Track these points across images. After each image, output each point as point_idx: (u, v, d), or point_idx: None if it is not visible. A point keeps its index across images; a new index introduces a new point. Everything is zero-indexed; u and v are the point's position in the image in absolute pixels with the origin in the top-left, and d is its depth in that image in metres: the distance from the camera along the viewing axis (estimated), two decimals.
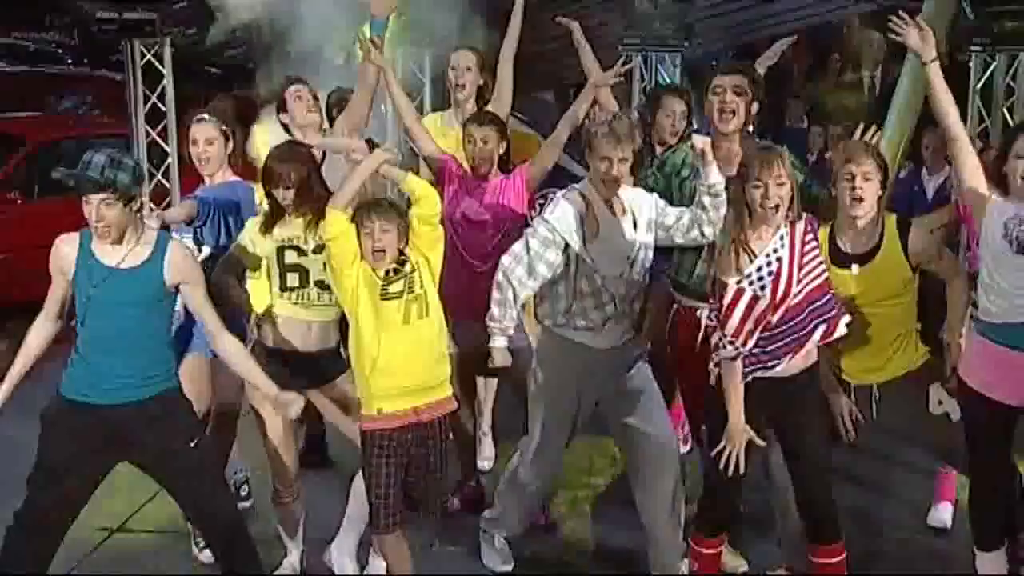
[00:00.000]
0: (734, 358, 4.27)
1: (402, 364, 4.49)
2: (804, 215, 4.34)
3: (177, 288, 4.36)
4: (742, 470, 4.36)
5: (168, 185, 8.45)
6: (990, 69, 7.86)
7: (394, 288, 4.46)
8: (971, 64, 7.95)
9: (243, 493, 5.79)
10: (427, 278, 4.53)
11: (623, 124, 4.61)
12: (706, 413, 4.62)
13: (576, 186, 4.77)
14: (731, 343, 4.24)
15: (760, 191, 4.18)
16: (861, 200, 4.51)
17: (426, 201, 4.53)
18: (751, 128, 5.11)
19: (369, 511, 4.64)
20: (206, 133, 5.24)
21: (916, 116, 8.28)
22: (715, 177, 4.60)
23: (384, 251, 4.39)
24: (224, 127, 5.30)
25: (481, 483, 5.80)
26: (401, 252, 4.48)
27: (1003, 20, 7.59)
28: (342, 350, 4.95)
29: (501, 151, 5.30)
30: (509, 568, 5.24)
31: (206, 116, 5.35)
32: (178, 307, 4.94)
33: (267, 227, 4.78)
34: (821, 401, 4.63)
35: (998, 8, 7.62)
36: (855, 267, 4.62)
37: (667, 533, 4.93)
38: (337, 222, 4.42)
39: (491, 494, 5.45)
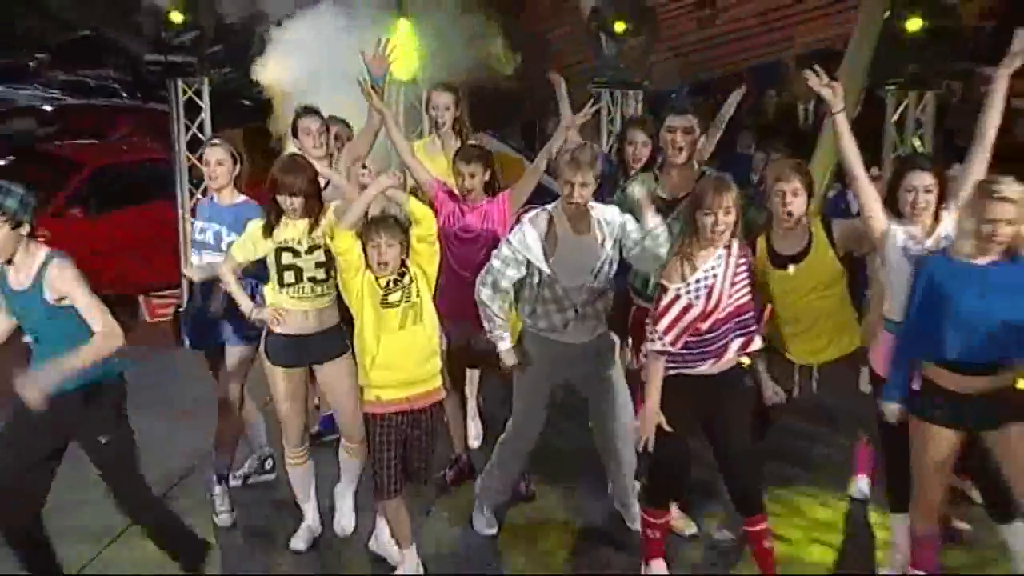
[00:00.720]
0: (660, 352, 4.28)
1: (397, 361, 4.52)
2: (739, 240, 4.34)
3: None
4: (650, 448, 4.37)
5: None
6: (903, 105, 7.90)
7: (393, 298, 4.46)
8: (887, 100, 7.98)
9: (267, 466, 5.77)
10: (423, 288, 4.54)
11: (585, 153, 4.60)
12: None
13: (547, 207, 4.75)
14: (660, 339, 4.25)
15: (711, 218, 4.18)
16: (791, 213, 4.53)
17: (425, 223, 4.53)
18: (704, 156, 5.25)
19: (374, 481, 4.65)
20: (217, 155, 5.20)
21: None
22: (652, 222, 4.64)
23: (388, 263, 4.40)
24: (233, 151, 5.26)
25: (470, 460, 5.76)
26: (402, 263, 4.47)
27: (910, 65, 7.64)
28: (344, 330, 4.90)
29: (487, 178, 5.27)
30: (494, 531, 5.25)
31: (217, 141, 5.34)
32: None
33: (268, 230, 4.76)
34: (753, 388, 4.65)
35: (906, 54, 7.65)
36: (791, 267, 4.61)
37: (630, 493, 5.07)
38: (345, 239, 4.41)
39: (479, 469, 5.44)
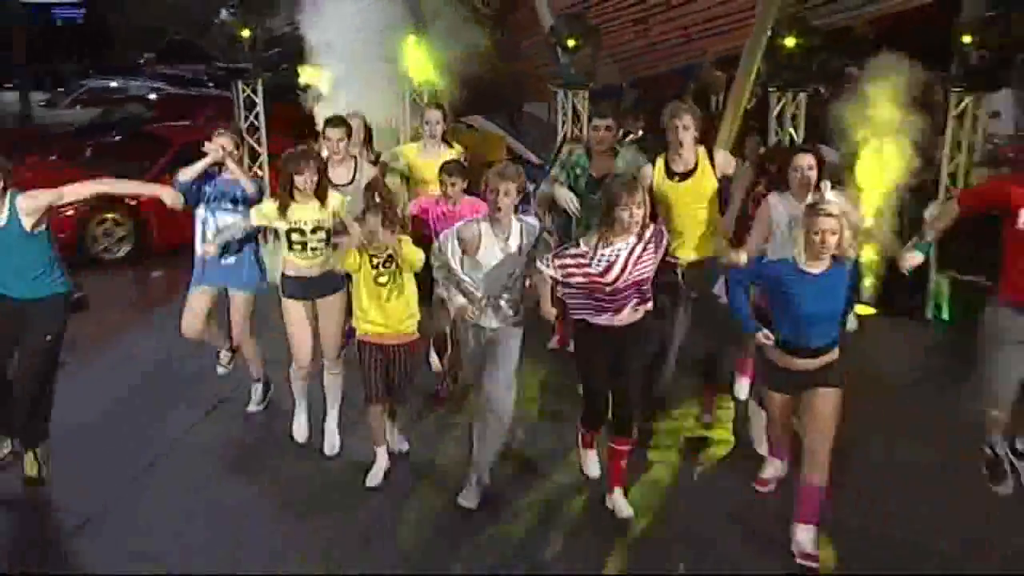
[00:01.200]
0: (550, 276, 4.26)
1: (382, 320, 4.56)
2: (655, 226, 4.24)
3: (43, 221, 4.22)
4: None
5: (261, 174, 8.32)
6: (782, 102, 7.80)
7: (382, 279, 4.49)
8: (771, 98, 7.88)
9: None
10: (407, 273, 4.54)
11: (510, 168, 4.37)
12: (576, 351, 4.51)
13: (480, 215, 4.46)
14: (549, 267, 4.21)
15: (627, 212, 4.08)
16: (681, 144, 4.62)
17: (410, 264, 4.50)
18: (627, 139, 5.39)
19: (364, 389, 4.68)
20: (222, 141, 5.01)
21: (736, 128, 8.16)
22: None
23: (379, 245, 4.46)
24: (237, 139, 5.11)
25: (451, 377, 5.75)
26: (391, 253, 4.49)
27: (786, 72, 7.60)
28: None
29: (464, 186, 5.16)
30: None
31: (223, 130, 5.12)
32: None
33: (282, 210, 4.70)
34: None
35: (783, 64, 7.61)
36: (681, 182, 4.69)
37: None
38: (351, 256, 4.47)
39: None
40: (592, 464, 4.71)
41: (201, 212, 5.12)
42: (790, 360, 4.06)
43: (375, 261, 4.47)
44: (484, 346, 4.46)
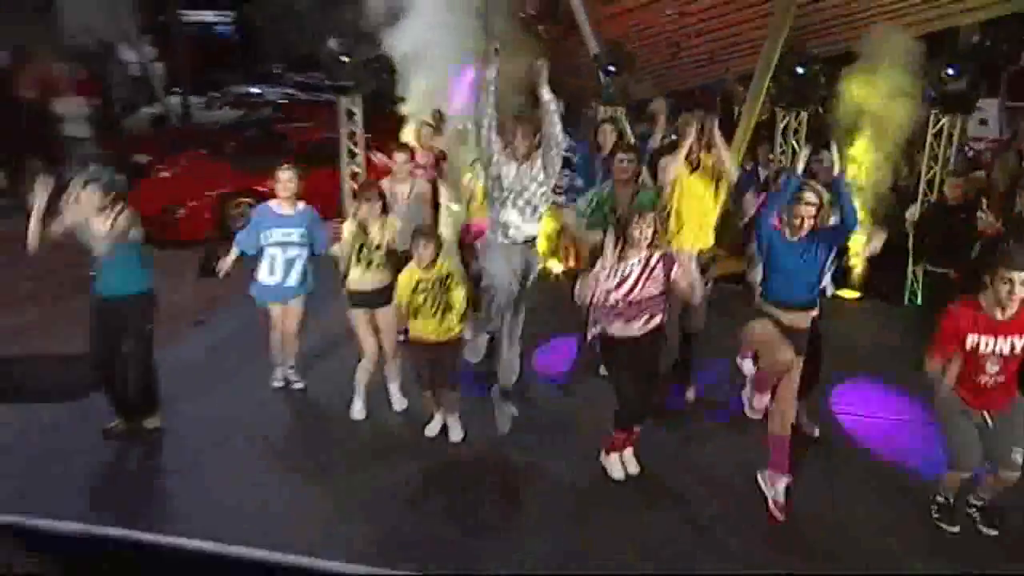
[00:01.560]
0: (584, 300, 4.28)
1: (430, 328, 4.63)
2: (668, 254, 4.25)
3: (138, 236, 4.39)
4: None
5: (358, 170, 8.56)
6: (786, 119, 7.62)
7: (429, 304, 4.58)
8: (776, 117, 7.73)
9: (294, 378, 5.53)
10: (454, 292, 4.58)
11: (524, 118, 4.31)
12: (603, 352, 4.40)
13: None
14: (585, 287, 4.26)
15: (637, 230, 4.15)
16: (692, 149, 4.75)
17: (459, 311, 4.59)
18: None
19: (416, 381, 4.81)
20: (288, 176, 5.02)
21: (749, 136, 8.00)
22: (546, 96, 4.13)
23: (425, 258, 4.52)
24: (298, 173, 5.07)
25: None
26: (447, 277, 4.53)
27: (789, 93, 7.39)
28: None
29: None
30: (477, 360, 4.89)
31: (287, 166, 5.09)
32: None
33: (362, 228, 4.79)
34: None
35: (787, 87, 7.43)
36: (693, 171, 4.77)
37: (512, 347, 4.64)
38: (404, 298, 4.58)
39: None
40: (616, 469, 4.47)
41: (265, 249, 5.03)
42: (779, 313, 4.11)
43: (423, 294, 4.52)
44: (512, 270, 4.32)
